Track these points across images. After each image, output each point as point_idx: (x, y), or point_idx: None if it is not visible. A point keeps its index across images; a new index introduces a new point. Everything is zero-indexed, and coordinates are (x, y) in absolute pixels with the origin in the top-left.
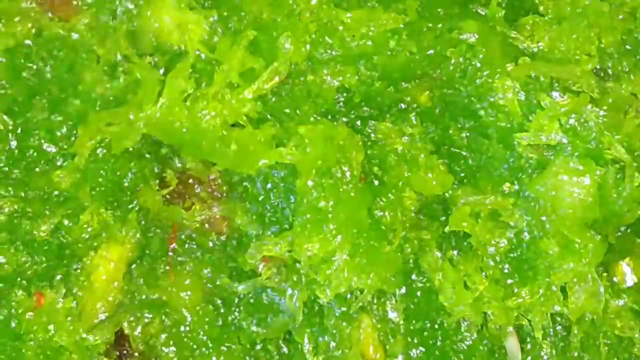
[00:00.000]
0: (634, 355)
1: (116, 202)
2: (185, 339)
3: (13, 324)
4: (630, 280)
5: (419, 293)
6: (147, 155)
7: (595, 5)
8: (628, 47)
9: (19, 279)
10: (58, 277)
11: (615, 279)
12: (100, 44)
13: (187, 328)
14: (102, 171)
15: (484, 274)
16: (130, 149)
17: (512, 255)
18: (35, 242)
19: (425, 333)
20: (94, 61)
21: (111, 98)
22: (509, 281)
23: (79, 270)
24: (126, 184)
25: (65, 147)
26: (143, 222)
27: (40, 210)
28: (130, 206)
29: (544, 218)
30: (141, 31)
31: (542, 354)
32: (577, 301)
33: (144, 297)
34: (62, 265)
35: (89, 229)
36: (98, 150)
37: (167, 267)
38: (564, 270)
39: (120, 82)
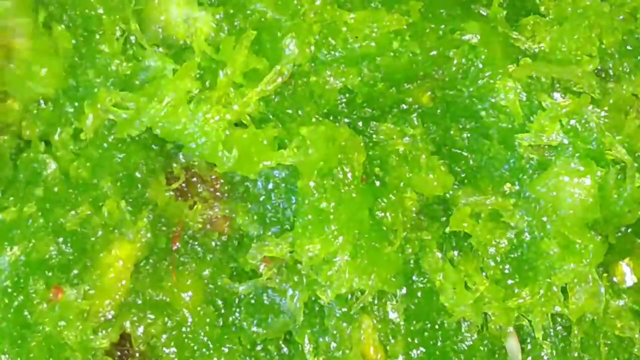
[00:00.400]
0: (634, 355)
1: (129, 195)
2: (185, 340)
3: (26, 312)
4: (630, 280)
5: (419, 294)
6: (155, 147)
7: (596, 5)
8: (629, 47)
9: (43, 268)
10: (75, 271)
11: (615, 279)
12: (108, 13)
13: (188, 329)
14: (115, 159)
15: (484, 274)
16: (137, 139)
17: (512, 255)
18: (64, 231)
19: (426, 333)
20: (113, 34)
21: (124, 77)
22: (510, 282)
23: (91, 267)
24: (138, 176)
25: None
26: (151, 217)
27: (67, 198)
28: (140, 200)
29: (544, 219)
30: (148, 21)
31: (543, 354)
32: (578, 302)
33: (148, 297)
34: (81, 260)
35: (109, 220)
36: (110, 138)
37: (170, 267)
38: (564, 271)
39: (131, 65)
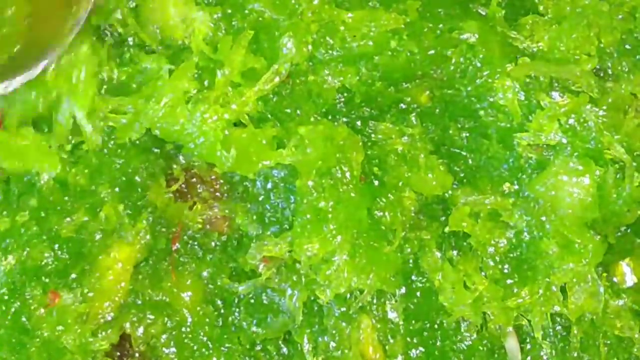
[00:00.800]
0: (633, 355)
1: (129, 199)
2: (185, 340)
3: (23, 318)
4: (630, 280)
5: (418, 293)
6: (155, 150)
7: (595, 4)
8: (627, 46)
9: (39, 274)
10: (73, 275)
11: (615, 279)
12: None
13: (188, 329)
14: (114, 165)
15: (483, 274)
16: (137, 142)
17: (511, 255)
18: (60, 238)
19: (425, 333)
20: (100, 41)
21: (119, 83)
22: (509, 281)
23: (89, 270)
24: (138, 180)
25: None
26: (150, 219)
27: (63, 206)
28: (139, 203)
29: (543, 218)
30: (146, 21)
31: (542, 354)
32: (577, 301)
33: (147, 297)
34: (79, 265)
35: (106, 225)
36: (110, 144)
37: (170, 268)
38: (563, 271)
39: (125, 70)
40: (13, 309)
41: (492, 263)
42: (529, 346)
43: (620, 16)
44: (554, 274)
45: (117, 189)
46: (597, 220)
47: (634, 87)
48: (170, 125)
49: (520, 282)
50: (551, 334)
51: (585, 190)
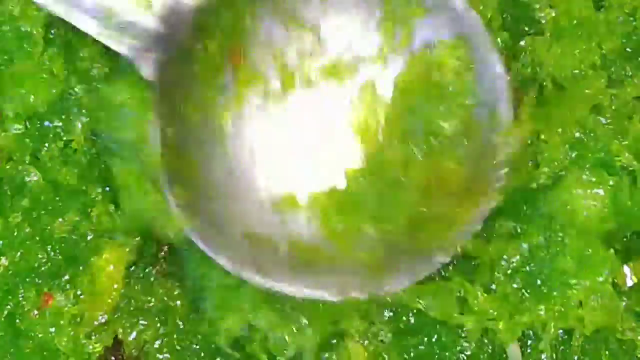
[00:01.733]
0: (635, 357)
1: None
2: (177, 347)
3: (17, 320)
4: (630, 281)
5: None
6: None
7: (591, 14)
8: (628, 49)
9: (32, 276)
10: (66, 277)
11: (615, 281)
12: None
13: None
14: (103, 165)
15: (493, 287)
16: None
17: (524, 270)
18: (53, 239)
19: (421, 347)
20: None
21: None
22: (521, 297)
23: (82, 272)
24: None
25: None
26: None
27: (54, 206)
28: None
29: (559, 233)
30: None
31: (543, 357)
32: (593, 317)
33: (139, 302)
34: (72, 266)
35: (98, 225)
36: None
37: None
38: (579, 286)
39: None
40: (6, 311)
41: (503, 278)
42: (529, 350)
43: (620, 18)
44: (569, 289)
45: (107, 189)
46: (612, 231)
47: (639, 90)
48: None
49: (534, 298)
50: None
51: (599, 202)
